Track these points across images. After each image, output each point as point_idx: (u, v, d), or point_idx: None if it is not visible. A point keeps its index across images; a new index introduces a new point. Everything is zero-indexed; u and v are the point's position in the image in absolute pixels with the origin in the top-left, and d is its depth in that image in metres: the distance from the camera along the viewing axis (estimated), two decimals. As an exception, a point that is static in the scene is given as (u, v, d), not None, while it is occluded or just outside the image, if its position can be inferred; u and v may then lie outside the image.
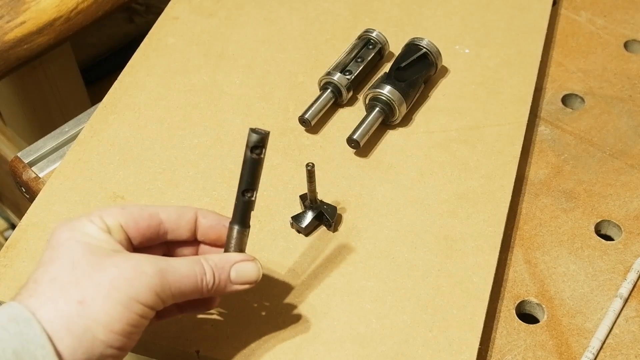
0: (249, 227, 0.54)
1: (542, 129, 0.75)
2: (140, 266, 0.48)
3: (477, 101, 0.75)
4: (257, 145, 0.51)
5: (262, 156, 0.52)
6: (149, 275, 0.48)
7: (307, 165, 0.60)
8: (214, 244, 0.55)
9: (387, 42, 0.78)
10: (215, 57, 0.79)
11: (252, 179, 0.52)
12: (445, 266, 0.62)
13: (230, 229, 0.53)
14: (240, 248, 0.54)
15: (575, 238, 0.66)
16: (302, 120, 0.72)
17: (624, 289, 0.62)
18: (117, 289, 0.47)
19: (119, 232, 0.51)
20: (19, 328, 0.44)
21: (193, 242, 0.55)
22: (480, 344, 0.58)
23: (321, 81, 0.74)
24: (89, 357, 0.46)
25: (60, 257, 0.48)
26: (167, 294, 0.49)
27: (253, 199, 0.53)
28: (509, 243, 0.66)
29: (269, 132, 0.51)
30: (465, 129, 0.72)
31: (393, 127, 0.73)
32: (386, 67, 0.76)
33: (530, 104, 0.74)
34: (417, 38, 0.75)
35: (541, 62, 0.79)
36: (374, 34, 0.77)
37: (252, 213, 0.54)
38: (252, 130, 0.51)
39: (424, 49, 0.74)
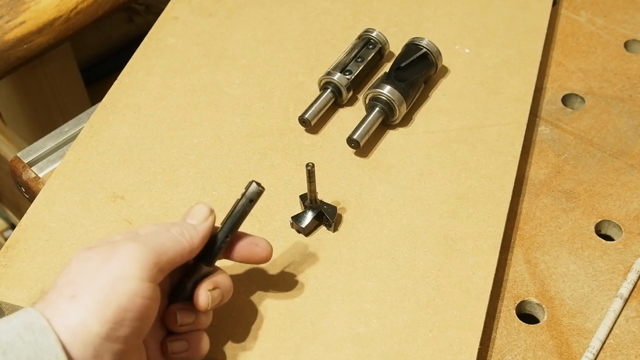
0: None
1: (542, 129, 0.75)
2: (119, 243, 0.49)
3: (477, 101, 0.75)
4: (256, 197, 0.54)
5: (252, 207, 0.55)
6: (125, 245, 0.48)
7: (307, 165, 0.60)
8: (245, 261, 0.56)
9: (387, 42, 0.78)
10: (215, 57, 0.79)
11: (238, 226, 0.55)
12: (445, 266, 0.62)
13: (199, 267, 0.54)
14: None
15: (576, 238, 0.66)
16: (302, 120, 0.72)
17: (624, 289, 0.62)
18: (99, 273, 0.47)
19: None
20: (35, 337, 0.44)
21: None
22: (480, 344, 0.58)
23: (321, 81, 0.74)
24: (85, 353, 0.45)
25: (64, 268, 0.49)
26: (152, 256, 0.48)
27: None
28: (509, 243, 0.66)
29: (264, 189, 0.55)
30: (465, 129, 0.72)
31: (393, 127, 0.73)
32: (386, 67, 0.76)
33: (530, 103, 0.74)
34: (417, 38, 0.75)
35: (541, 62, 0.79)
36: (374, 34, 0.77)
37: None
38: (257, 183, 0.54)
39: (424, 49, 0.74)
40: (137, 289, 0.47)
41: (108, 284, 0.46)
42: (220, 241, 0.54)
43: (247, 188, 0.54)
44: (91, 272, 0.47)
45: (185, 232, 0.52)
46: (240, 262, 0.56)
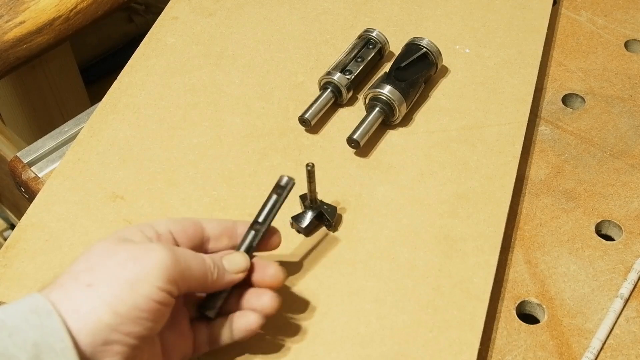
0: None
1: (543, 129, 0.75)
2: (151, 246, 0.49)
3: (477, 101, 0.75)
4: (290, 188, 0.57)
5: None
6: (158, 251, 0.49)
7: (307, 165, 0.60)
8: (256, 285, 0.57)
9: (387, 41, 0.77)
10: (215, 57, 0.79)
11: (273, 216, 0.57)
12: (445, 266, 0.62)
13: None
14: None
15: (576, 238, 0.66)
16: (302, 120, 0.72)
17: (625, 289, 0.62)
18: (124, 268, 0.48)
19: (168, 240, 0.53)
20: (40, 320, 0.45)
21: None
22: (481, 344, 0.57)
23: (321, 81, 0.74)
24: (94, 340, 0.46)
25: (81, 254, 0.50)
26: (178, 271, 0.49)
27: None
28: (509, 243, 0.66)
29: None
30: (466, 128, 0.72)
31: (393, 127, 0.73)
32: (386, 67, 0.76)
33: (530, 103, 0.74)
34: (417, 38, 0.75)
35: (541, 61, 0.79)
36: (374, 34, 0.77)
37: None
38: (287, 177, 0.57)
39: (424, 49, 0.74)
40: (155, 294, 0.48)
41: (129, 281, 0.47)
42: (260, 233, 0.56)
43: (278, 182, 0.57)
44: (114, 266, 0.48)
45: (216, 272, 0.53)
46: (253, 285, 0.56)
